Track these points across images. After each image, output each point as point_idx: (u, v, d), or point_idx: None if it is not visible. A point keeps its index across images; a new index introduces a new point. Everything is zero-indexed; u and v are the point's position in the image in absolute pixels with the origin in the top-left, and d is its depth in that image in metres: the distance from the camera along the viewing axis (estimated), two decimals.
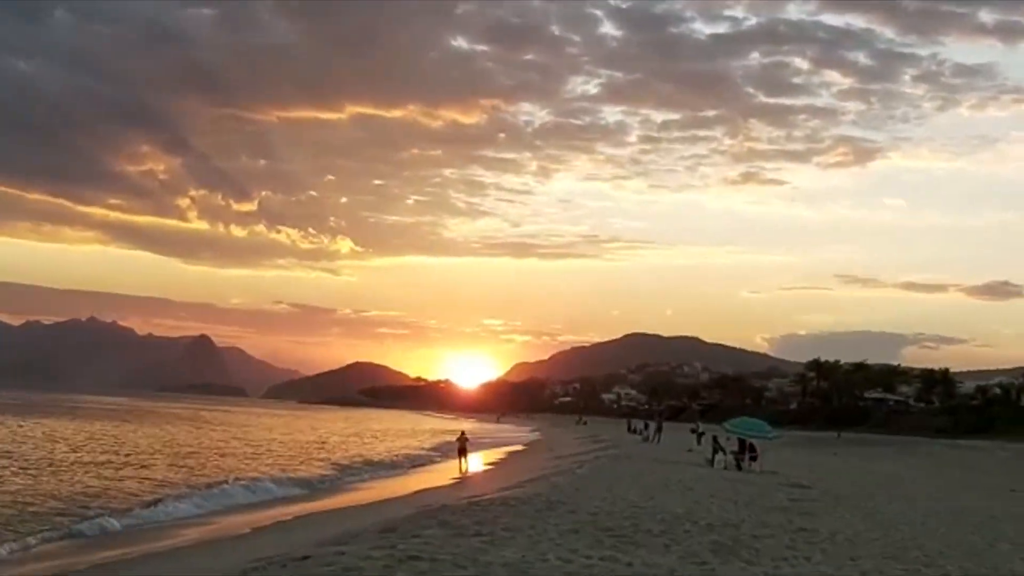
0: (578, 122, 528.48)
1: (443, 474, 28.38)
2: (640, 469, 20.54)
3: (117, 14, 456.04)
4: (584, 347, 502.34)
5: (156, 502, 16.84)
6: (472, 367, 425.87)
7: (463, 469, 29.49)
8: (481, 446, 47.85)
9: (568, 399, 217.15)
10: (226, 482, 20.89)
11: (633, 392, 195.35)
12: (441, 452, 41.06)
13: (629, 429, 55.96)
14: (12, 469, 21.42)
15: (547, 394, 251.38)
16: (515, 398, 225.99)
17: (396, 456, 37.02)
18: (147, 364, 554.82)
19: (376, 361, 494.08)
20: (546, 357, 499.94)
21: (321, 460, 31.94)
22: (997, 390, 77.50)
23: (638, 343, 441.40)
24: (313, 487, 22.44)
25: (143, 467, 24.55)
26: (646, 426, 47.07)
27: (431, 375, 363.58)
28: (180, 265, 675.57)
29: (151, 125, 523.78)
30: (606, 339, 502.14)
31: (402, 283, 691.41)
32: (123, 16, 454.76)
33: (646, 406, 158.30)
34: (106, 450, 29.87)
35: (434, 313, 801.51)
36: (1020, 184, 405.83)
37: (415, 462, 33.90)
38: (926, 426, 68.04)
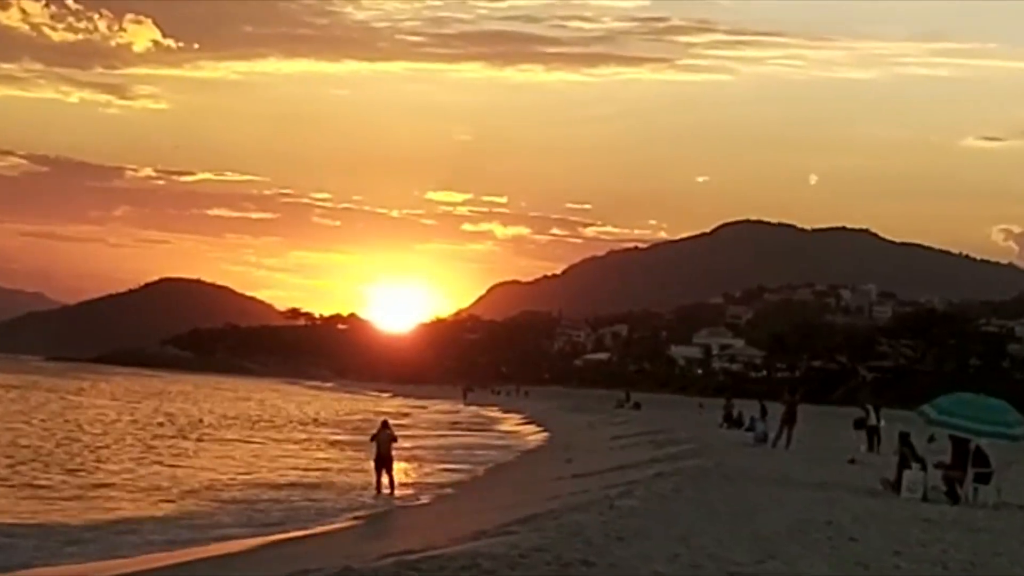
0: None
1: (345, 505, 28.92)
2: (750, 499, 20.79)
3: None
4: (637, 250, 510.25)
5: None
6: (406, 293, 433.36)
7: (389, 493, 30.45)
8: (424, 452, 48.47)
9: (603, 356, 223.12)
10: None
11: (738, 343, 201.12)
12: (334, 462, 41.68)
13: (728, 419, 56.80)
14: None
15: (560, 346, 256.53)
16: (495, 353, 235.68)
17: (243, 474, 37.28)
18: None
19: (205, 277, 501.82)
20: (559, 270, 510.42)
21: (88, 489, 32.13)
22: None
23: (748, 242, 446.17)
24: (81, 538, 22.69)
25: None
26: (763, 413, 47.67)
27: (322, 307, 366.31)
28: None
29: None
30: (682, 235, 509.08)
31: (260, 116, 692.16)
32: None
33: (764, 372, 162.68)
34: None
35: (327, 178, 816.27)
36: None
37: (280, 484, 34.34)
38: None
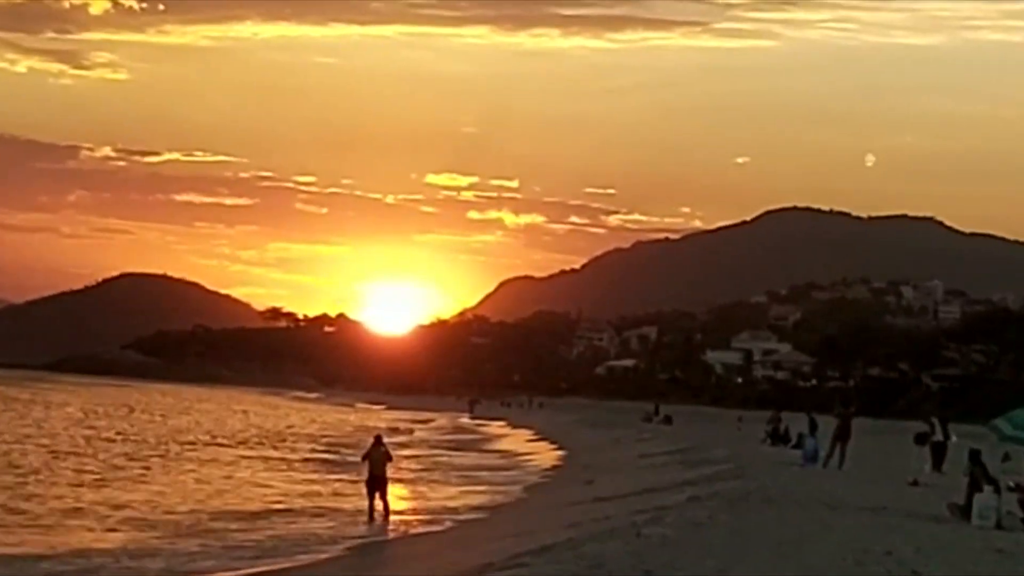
0: None
1: (333, 533, 29.00)
2: (797, 526, 20.75)
3: None
4: (668, 241, 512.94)
5: None
6: (403, 290, 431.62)
7: (383, 520, 30.69)
8: (424, 473, 48.85)
9: (629, 363, 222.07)
10: None
11: (783, 348, 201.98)
12: (320, 484, 41.87)
13: (773, 435, 57.08)
14: None
15: (580, 351, 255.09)
16: (505, 360, 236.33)
17: (216, 499, 37.59)
18: None
19: (172, 272, 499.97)
20: (578, 264, 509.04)
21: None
22: None
23: (795, 232, 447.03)
24: (29, 571, 22.74)
25: None
26: (813, 428, 47.63)
27: (306, 306, 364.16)
28: None
29: None
30: (720, 223, 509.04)
31: (235, 88, 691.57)
32: None
33: (813, 381, 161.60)
34: None
35: (312, 158, 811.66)
36: None
37: (259, 510, 34.43)
38: None
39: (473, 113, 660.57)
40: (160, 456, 52.74)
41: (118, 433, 67.71)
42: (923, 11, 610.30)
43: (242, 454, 57.37)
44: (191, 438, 67.63)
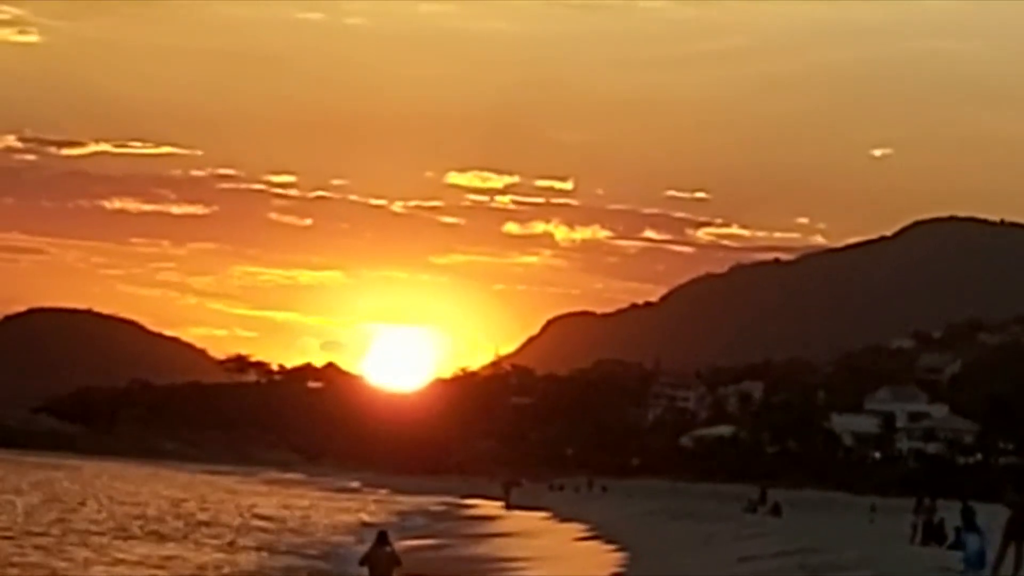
0: None
1: None
2: None
3: None
4: (779, 264, 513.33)
5: None
6: (415, 332, 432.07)
7: None
8: None
9: (725, 431, 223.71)
10: None
11: (937, 411, 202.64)
12: None
13: (926, 530, 57.65)
14: None
15: (658, 414, 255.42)
16: (555, 427, 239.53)
17: None
18: None
19: (99, 306, 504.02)
20: (655, 296, 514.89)
21: None
22: None
23: (953, 251, 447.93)
24: None
25: None
26: (968, 521, 46.65)
27: (282, 354, 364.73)
28: None
29: None
30: (849, 240, 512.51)
31: (185, 55, 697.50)
32: None
33: (978, 455, 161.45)
34: None
35: (290, 151, 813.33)
36: None
37: None
38: None
39: (512, 88, 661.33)
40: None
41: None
42: None
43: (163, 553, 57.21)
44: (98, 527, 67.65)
